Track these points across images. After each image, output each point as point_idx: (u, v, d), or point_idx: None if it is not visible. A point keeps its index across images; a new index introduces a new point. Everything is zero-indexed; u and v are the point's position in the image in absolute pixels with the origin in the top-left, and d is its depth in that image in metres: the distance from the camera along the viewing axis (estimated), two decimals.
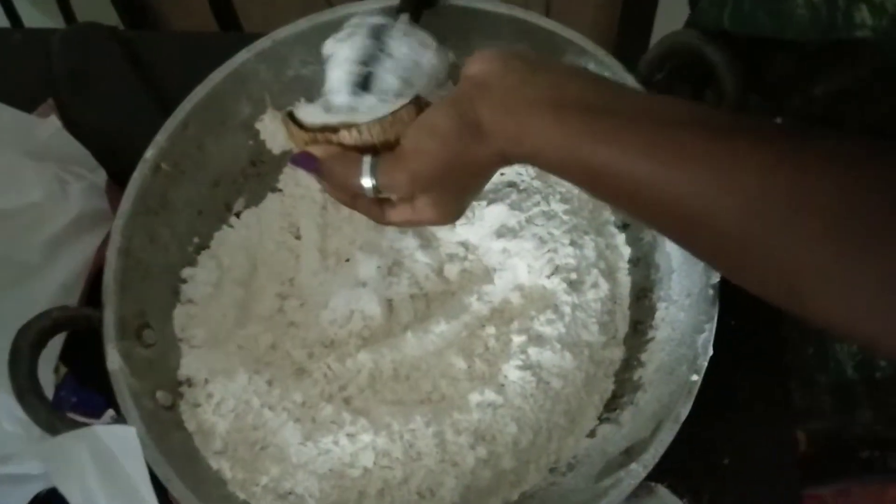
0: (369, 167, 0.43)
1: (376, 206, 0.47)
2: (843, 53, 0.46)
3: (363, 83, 0.47)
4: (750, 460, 0.57)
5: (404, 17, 0.50)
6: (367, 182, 0.43)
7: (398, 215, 0.47)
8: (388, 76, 0.47)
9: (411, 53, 0.48)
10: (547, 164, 0.39)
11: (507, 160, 0.41)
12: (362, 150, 0.45)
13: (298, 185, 0.62)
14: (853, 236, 0.30)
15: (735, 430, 0.57)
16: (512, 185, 0.60)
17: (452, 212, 0.46)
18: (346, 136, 0.44)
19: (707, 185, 0.33)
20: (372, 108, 0.46)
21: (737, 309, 0.59)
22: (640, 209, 0.37)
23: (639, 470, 0.44)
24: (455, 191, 0.44)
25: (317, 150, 0.45)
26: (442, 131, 0.41)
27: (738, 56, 0.47)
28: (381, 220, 0.48)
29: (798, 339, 0.63)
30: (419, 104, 0.44)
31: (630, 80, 0.53)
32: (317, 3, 0.61)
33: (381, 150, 0.44)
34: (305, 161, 0.45)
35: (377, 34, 0.48)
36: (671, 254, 0.54)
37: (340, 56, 0.48)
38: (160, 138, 0.55)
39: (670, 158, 0.34)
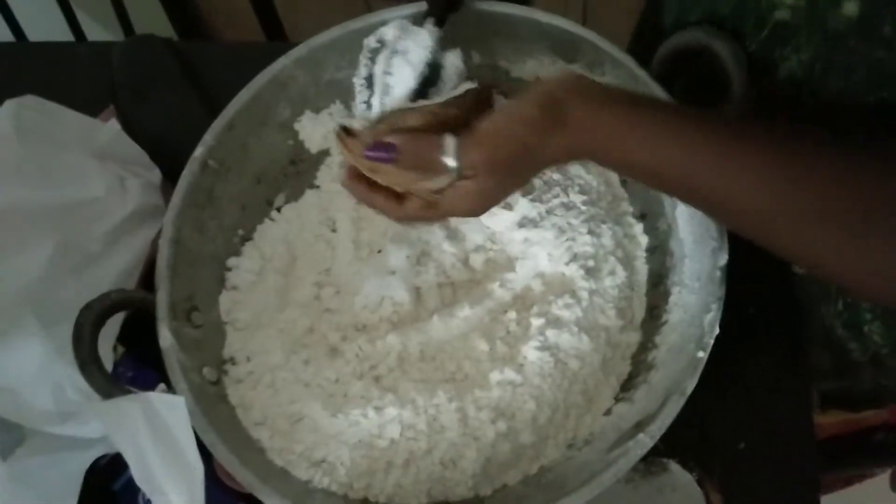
0: (454, 147, 0.45)
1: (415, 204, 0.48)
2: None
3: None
4: (766, 446, 0.58)
5: (430, 22, 0.54)
6: (451, 161, 0.45)
7: (421, 210, 0.48)
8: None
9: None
10: (623, 154, 0.44)
11: (569, 154, 0.45)
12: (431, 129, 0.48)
13: (335, 181, 0.66)
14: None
15: (752, 416, 0.59)
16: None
17: (487, 205, 0.48)
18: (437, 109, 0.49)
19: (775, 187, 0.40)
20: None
21: (756, 296, 0.61)
22: (699, 202, 0.45)
23: (646, 440, 0.47)
24: (512, 179, 0.47)
25: (389, 136, 0.46)
26: (532, 119, 0.44)
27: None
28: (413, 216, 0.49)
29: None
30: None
31: (643, 75, 0.56)
32: (357, 12, 0.64)
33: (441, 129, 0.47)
34: (383, 148, 0.46)
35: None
36: (684, 240, 0.56)
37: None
38: (208, 138, 0.60)
39: (737, 163, 0.41)
